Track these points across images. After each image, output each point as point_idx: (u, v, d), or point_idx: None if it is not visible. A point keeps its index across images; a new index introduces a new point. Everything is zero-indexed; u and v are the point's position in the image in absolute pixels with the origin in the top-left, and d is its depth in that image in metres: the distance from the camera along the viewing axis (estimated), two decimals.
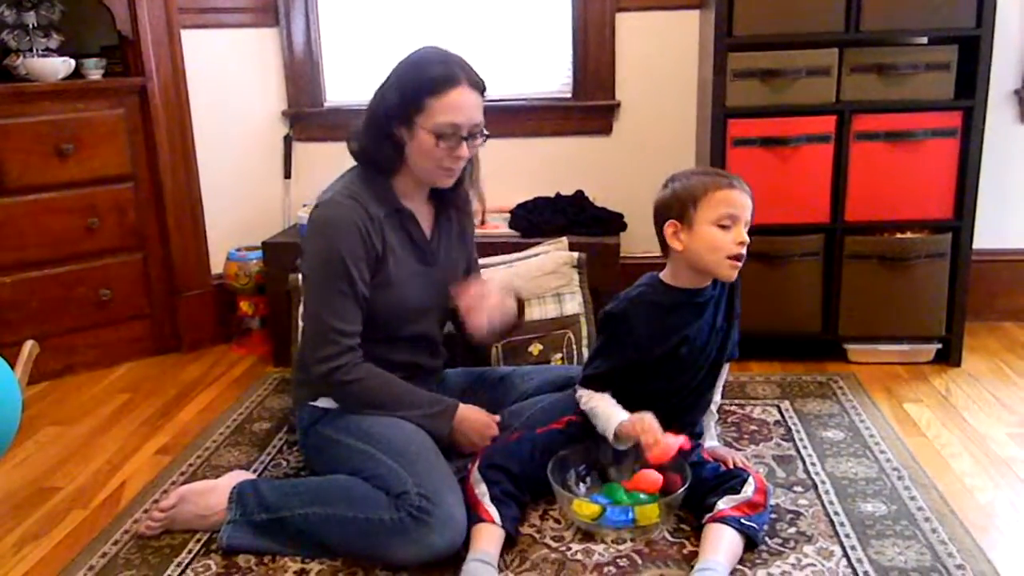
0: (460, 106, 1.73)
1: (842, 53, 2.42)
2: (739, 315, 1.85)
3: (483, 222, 2.75)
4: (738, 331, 1.87)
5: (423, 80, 1.73)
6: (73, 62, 2.67)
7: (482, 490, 1.70)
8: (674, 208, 1.73)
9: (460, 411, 1.86)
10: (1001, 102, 2.76)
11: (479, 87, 1.78)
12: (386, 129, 1.77)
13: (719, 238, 1.69)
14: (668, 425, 1.83)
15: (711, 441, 1.92)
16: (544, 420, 1.89)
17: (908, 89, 2.42)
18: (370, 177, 1.83)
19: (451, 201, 1.94)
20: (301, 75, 3.07)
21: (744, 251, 1.70)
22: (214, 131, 2.95)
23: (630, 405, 1.76)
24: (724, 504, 1.66)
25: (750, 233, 1.73)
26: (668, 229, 1.74)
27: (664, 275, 1.80)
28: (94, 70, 2.74)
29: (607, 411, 1.76)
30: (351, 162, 1.88)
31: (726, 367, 1.92)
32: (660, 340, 1.75)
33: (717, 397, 1.93)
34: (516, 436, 1.85)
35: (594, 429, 1.85)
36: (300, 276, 1.92)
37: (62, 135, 2.62)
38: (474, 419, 1.87)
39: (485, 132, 1.81)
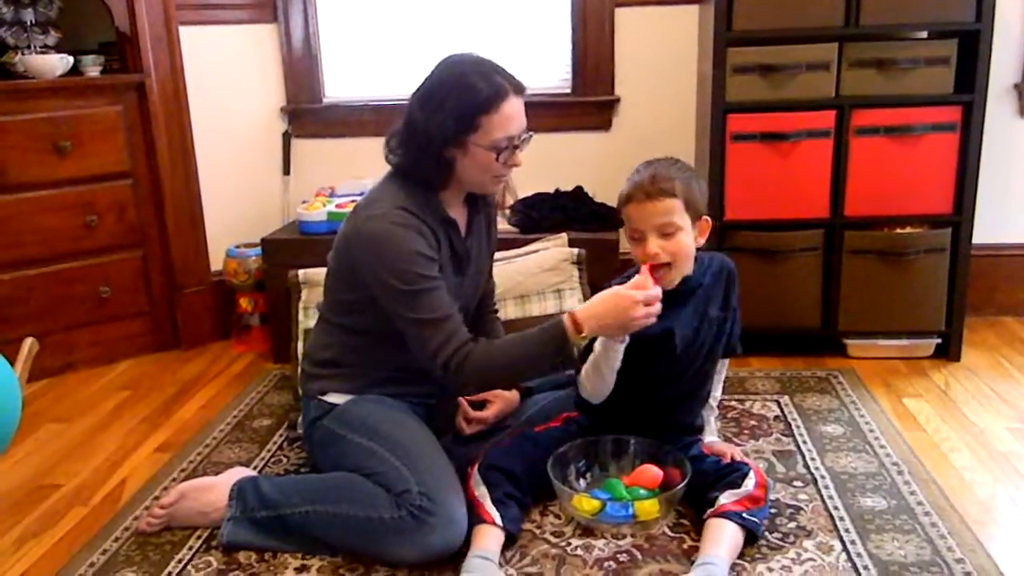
0: (512, 117, 1.70)
1: (842, 48, 2.42)
2: (737, 308, 1.85)
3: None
4: (739, 325, 1.86)
5: (473, 101, 1.67)
6: (71, 59, 2.67)
7: (482, 492, 1.70)
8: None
9: (575, 318, 1.65)
10: (1001, 96, 2.76)
11: (521, 90, 1.73)
12: (438, 154, 1.72)
13: (634, 250, 1.71)
14: (667, 415, 1.83)
15: (711, 436, 1.92)
16: (543, 419, 1.90)
17: (908, 84, 2.42)
18: (415, 188, 1.76)
19: (482, 196, 1.91)
20: (300, 71, 3.07)
21: (658, 261, 1.67)
22: (213, 128, 2.95)
23: (628, 393, 1.76)
24: (725, 499, 1.66)
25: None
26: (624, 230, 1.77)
27: None
28: (92, 67, 2.74)
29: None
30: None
31: (725, 361, 1.91)
32: (646, 326, 1.70)
33: (717, 392, 1.93)
34: (516, 434, 1.85)
35: (593, 425, 1.85)
36: (371, 290, 1.76)
37: (60, 132, 2.62)
38: (606, 304, 1.64)
39: (530, 131, 1.78)
